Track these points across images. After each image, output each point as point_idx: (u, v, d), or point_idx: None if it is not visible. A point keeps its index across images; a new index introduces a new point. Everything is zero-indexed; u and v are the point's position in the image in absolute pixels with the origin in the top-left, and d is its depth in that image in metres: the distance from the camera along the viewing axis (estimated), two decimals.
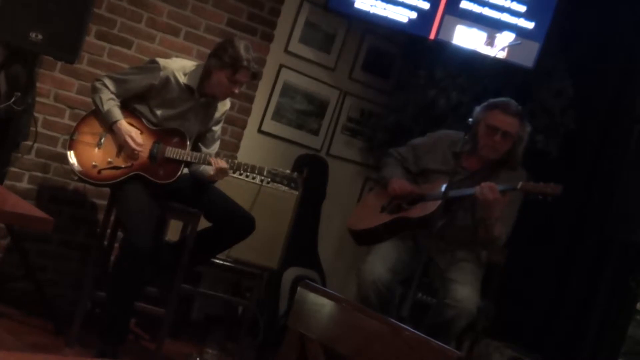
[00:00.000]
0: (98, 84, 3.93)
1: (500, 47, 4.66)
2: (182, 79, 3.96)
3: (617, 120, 4.92)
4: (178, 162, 3.93)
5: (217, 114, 4.16)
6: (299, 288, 2.00)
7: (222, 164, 3.90)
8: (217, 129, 4.21)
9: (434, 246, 3.95)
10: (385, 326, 1.83)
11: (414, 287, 3.62)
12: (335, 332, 1.90)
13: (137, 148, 3.90)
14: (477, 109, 4.07)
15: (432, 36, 4.82)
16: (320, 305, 1.94)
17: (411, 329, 1.80)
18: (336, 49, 5.32)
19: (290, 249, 4.80)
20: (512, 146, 4.01)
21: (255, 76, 4.04)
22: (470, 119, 3.87)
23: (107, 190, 4.11)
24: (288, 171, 4.02)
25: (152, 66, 3.96)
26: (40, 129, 4.27)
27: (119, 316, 3.84)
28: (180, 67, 3.99)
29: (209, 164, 3.92)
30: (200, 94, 4.01)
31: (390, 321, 1.87)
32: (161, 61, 3.96)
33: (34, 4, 3.70)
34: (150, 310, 4.02)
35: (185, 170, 4.06)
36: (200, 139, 4.16)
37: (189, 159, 3.93)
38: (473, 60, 4.79)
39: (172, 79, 3.95)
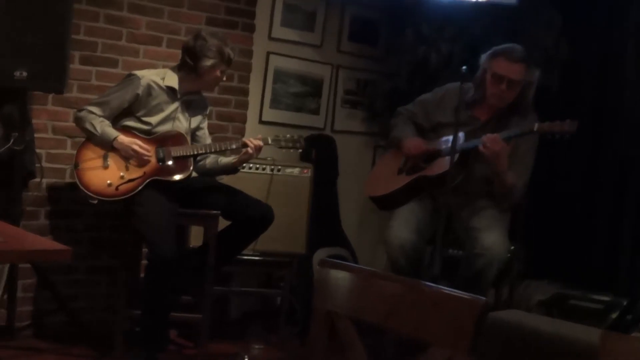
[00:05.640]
0: (83, 113, 3.97)
1: None
2: (162, 83, 4.05)
3: (613, 39, 4.84)
4: (187, 158, 4.01)
5: (200, 110, 4.25)
6: (318, 267, 2.01)
7: (258, 142, 4.04)
8: (205, 125, 4.31)
9: (454, 202, 3.93)
10: (407, 287, 1.83)
11: (439, 243, 3.61)
12: (360, 303, 1.90)
13: (147, 153, 3.95)
14: (483, 57, 4.05)
15: None
16: (342, 279, 1.94)
17: (433, 285, 1.79)
18: (319, 25, 5.29)
19: (315, 231, 4.81)
20: (521, 91, 3.99)
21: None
22: (464, 67, 3.83)
23: (122, 209, 4.12)
24: (289, 135, 4.22)
25: (131, 79, 4.03)
26: (45, 164, 4.28)
27: (156, 328, 3.87)
28: (154, 73, 4.10)
29: (221, 151, 4.10)
30: (182, 94, 4.10)
31: (411, 281, 1.87)
32: (137, 72, 4.06)
33: (12, 43, 3.69)
34: (187, 318, 4.04)
35: (194, 174, 4.10)
36: (193, 137, 4.23)
37: (196, 152, 4.04)
38: (456, 9, 4.73)
39: (154, 85, 4.03)
